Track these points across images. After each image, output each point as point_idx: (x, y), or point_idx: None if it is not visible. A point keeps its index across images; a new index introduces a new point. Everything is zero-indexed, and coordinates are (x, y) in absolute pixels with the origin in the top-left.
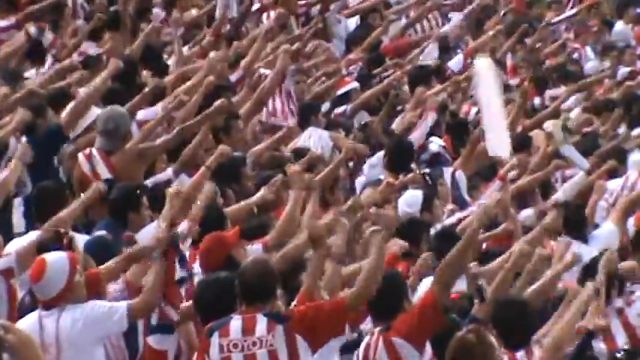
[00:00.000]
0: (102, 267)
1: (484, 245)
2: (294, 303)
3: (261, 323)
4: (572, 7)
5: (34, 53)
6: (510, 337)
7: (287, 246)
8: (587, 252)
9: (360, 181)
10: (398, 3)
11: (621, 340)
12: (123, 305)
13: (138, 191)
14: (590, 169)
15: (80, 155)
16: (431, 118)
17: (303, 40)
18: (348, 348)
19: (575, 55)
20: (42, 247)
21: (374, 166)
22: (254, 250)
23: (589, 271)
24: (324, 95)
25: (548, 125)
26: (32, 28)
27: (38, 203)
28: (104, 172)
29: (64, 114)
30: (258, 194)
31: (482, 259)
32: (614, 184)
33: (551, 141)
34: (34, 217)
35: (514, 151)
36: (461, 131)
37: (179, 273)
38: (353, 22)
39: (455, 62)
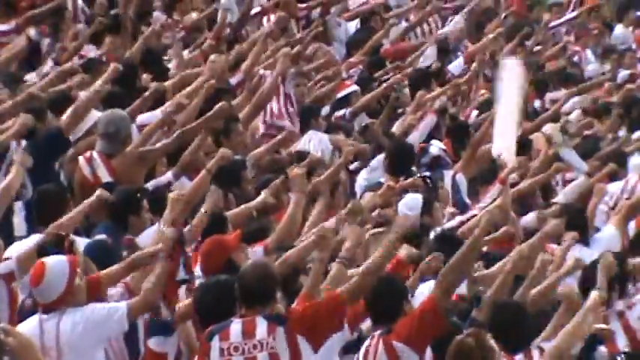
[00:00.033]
0: (103, 272)
1: (484, 248)
2: (293, 306)
3: (262, 326)
4: (572, 10)
5: (31, 55)
6: (508, 340)
7: (289, 251)
8: (588, 255)
9: (360, 184)
10: (398, 6)
11: (622, 343)
12: (122, 305)
13: (138, 194)
14: (591, 171)
15: (81, 158)
16: (430, 119)
17: (303, 43)
18: (349, 349)
19: (576, 58)
20: (42, 250)
21: (374, 169)
22: (255, 252)
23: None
24: (325, 98)
25: (548, 128)
26: (32, 31)
27: (39, 207)
28: (105, 176)
29: (63, 117)
30: (259, 198)
31: (483, 262)
32: (614, 187)
33: (551, 144)
34: (35, 221)
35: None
36: (461, 134)
37: (181, 274)
38: (353, 26)
39: (455, 65)
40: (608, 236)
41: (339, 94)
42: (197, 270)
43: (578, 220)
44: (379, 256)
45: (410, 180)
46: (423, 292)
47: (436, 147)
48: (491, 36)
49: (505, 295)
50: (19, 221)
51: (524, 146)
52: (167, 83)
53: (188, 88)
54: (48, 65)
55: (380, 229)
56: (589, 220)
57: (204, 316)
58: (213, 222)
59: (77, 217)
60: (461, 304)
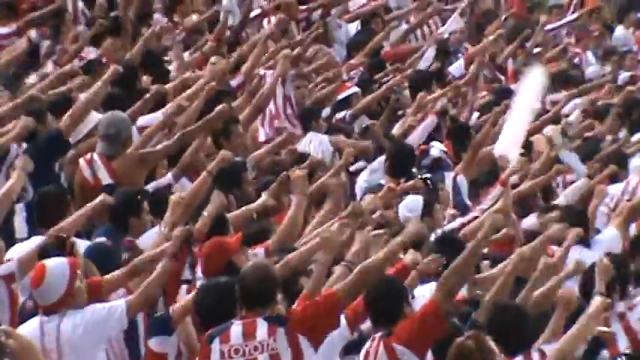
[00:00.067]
0: (106, 277)
1: (485, 250)
2: (293, 307)
3: (262, 327)
4: (573, 12)
5: (30, 57)
6: (507, 342)
7: (292, 253)
8: (589, 257)
9: (360, 186)
10: (398, 8)
11: (623, 345)
12: (122, 303)
13: (139, 196)
14: (592, 173)
15: (81, 160)
16: (431, 120)
17: (303, 45)
18: (350, 349)
19: (576, 60)
20: (43, 252)
21: (375, 170)
22: (256, 255)
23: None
24: (325, 100)
25: (549, 130)
26: (33, 34)
27: (40, 208)
28: (105, 178)
29: (63, 119)
30: (260, 200)
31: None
32: (614, 189)
33: (552, 146)
34: (35, 223)
35: None
36: (462, 136)
37: (187, 274)
38: (354, 27)
39: (456, 67)
40: (609, 238)
41: (340, 96)
42: (198, 272)
43: (579, 222)
44: (380, 258)
45: (411, 182)
46: (424, 294)
47: (437, 149)
48: (491, 37)
49: (505, 297)
50: (19, 223)
51: (524, 148)
52: (168, 86)
53: (188, 91)
54: (48, 67)
55: (380, 231)
56: (590, 221)
57: (204, 318)
58: (214, 224)
59: (79, 220)
60: (462, 306)
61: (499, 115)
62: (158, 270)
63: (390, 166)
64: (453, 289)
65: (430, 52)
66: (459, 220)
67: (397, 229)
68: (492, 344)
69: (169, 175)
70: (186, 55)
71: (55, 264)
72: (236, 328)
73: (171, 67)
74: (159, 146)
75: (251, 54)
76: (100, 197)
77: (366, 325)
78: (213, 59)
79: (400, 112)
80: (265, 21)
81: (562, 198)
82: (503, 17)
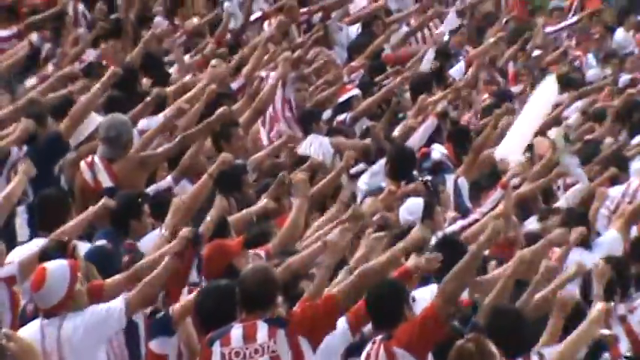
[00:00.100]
0: (107, 281)
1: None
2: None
3: (262, 330)
4: (573, 15)
5: (29, 60)
6: (507, 345)
7: (293, 256)
8: (590, 259)
9: (360, 188)
10: (399, 10)
11: (624, 347)
12: (120, 301)
13: (139, 199)
14: (592, 176)
15: (82, 163)
16: (431, 122)
17: (304, 48)
18: (352, 352)
19: (577, 63)
20: (45, 255)
21: (375, 173)
22: (260, 255)
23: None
24: (326, 102)
25: (553, 133)
26: (34, 37)
27: (41, 211)
28: (106, 180)
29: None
30: (260, 203)
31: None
32: (615, 192)
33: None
34: (36, 226)
35: None
36: (463, 138)
37: (194, 277)
38: (354, 30)
39: (456, 70)
40: (610, 240)
41: (341, 99)
42: None
43: (580, 225)
44: (381, 261)
45: (411, 185)
46: (425, 297)
47: (438, 152)
48: (492, 40)
49: (506, 300)
50: (21, 225)
51: (526, 151)
52: (168, 89)
53: (189, 93)
54: (49, 70)
55: (381, 234)
56: (590, 224)
57: (205, 321)
58: (215, 226)
59: (81, 224)
60: (465, 308)
61: (500, 118)
62: (159, 268)
63: (390, 168)
64: (454, 293)
65: (430, 54)
66: (460, 223)
67: (398, 232)
68: (493, 347)
69: (169, 178)
70: (186, 57)
71: (56, 267)
72: (236, 331)
73: (171, 70)
74: (159, 149)
75: (252, 56)
76: (102, 201)
77: (368, 327)
78: (213, 62)
79: (400, 115)
80: (266, 23)
81: (562, 201)
82: (504, 20)
